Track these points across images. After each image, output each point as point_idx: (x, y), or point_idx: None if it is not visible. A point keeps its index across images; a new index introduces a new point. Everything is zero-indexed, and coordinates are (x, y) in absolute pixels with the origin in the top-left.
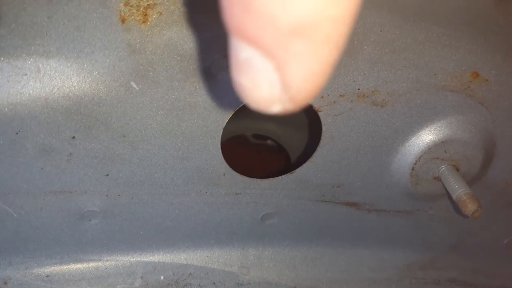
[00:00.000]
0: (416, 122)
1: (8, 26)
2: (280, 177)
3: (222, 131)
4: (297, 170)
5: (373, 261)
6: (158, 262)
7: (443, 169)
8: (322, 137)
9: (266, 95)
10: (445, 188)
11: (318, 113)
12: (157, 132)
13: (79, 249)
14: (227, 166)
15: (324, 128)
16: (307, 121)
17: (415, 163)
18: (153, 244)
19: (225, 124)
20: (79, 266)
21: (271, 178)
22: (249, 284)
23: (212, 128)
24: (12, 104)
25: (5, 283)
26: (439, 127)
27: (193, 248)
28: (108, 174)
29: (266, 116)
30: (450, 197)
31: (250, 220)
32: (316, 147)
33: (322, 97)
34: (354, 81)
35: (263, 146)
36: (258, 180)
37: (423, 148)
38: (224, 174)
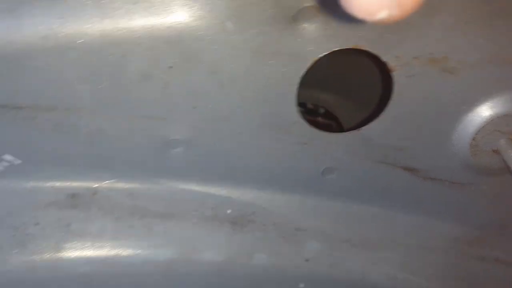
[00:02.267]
0: (481, 92)
1: None
2: (347, 132)
3: (300, 79)
4: (364, 127)
5: (422, 229)
6: (226, 197)
7: (503, 141)
8: (392, 97)
9: (376, 0)
10: (504, 161)
11: (391, 72)
12: (243, 73)
13: (159, 174)
14: (299, 116)
15: (395, 88)
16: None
17: (476, 134)
18: (224, 180)
19: (302, 74)
20: (158, 188)
21: (338, 133)
22: (305, 230)
23: (291, 75)
24: (122, 28)
25: (94, 194)
26: (504, 100)
27: (258, 190)
28: (195, 107)
29: (319, 85)
30: (509, 170)
31: (312, 172)
32: (384, 107)
33: (397, 56)
34: (428, 45)
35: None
36: (326, 133)
37: (486, 119)
38: (294, 123)
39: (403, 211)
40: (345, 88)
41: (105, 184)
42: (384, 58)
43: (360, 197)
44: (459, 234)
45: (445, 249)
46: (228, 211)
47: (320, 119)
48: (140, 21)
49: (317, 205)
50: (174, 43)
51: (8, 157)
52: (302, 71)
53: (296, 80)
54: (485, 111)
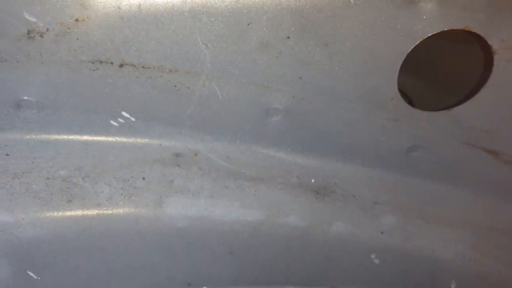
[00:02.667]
0: None
1: None
2: (438, 111)
3: (405, 56)
4: (456, 108)
5: (494, 211)
6: (311, 167)
7: None
8: (489, 80)
9: None
10: None
11: (494, 55)
12: (353, 46)
13: (254, 141)
14: (397, 92)
15: (494, 71)
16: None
17: None
18: (311, 150)
19: (409, 50)
20: (252, 154)
21: (430, 111)
22: (383, 204)
23: (398, 51)
24: None
25: (196, 154)
26: None
27: (341, 163)
28: (301, 78)
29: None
30: None
31: (397, 149)
32: (479, 89)
33: (503, 40)
34: None
35: None
36: (419, 111)
37: None
38: (392, 99)
39: (478, 192)
40: (428, 73)
41: (206, 146)
42: (490, 41)
43: (439, 176)
44: None
45: None
46: (312, 180)
47: None
48: None
49: (397, 181)
50: (296, 13)
51: (125, 114)
52: (409, 48)
53: (402, 57)
54: None
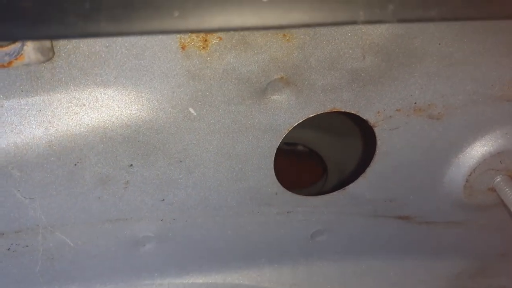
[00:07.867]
0: (471, 133)
1: (66, 58)
2: (332, 193)
3: (275, 151)
4: (349, 186)
5: (423, 273)
6: (211, 283)
7: (498, 179)
8: (376, 152)
9: None
10: (501, 199)
11: (374, 128)
12: (213, 155)
13: (133, 275)
14: (280, 186)
15: (379, 143)
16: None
17: (470, 175)
18: (205, 265)
19: (278, 144)
20: None
21: (323, 195)
22: None
23: (265, 148)
24: (71, 135)
25: None
26: (495, 137)
27: (245, 268)
28: (164, 199)
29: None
30: (505, 207)
31: (300, 238)
32: (369, 162)
33: (378, 112)
34: (411, 95)
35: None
36: (310, 198)
37: (478, 159)
38: (276, 194)
39: (400, 258)
40: (327, 126)
41: None
42: (364, 116)
43: (354, 253)
44: (461, 269)
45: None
46: None
47: (299, 147)
48: (90, 124)
49: (309, 271)
50: (131, 140)
51: None
52: (277, 141)
53: (272, 152)
54: (476, 151)
